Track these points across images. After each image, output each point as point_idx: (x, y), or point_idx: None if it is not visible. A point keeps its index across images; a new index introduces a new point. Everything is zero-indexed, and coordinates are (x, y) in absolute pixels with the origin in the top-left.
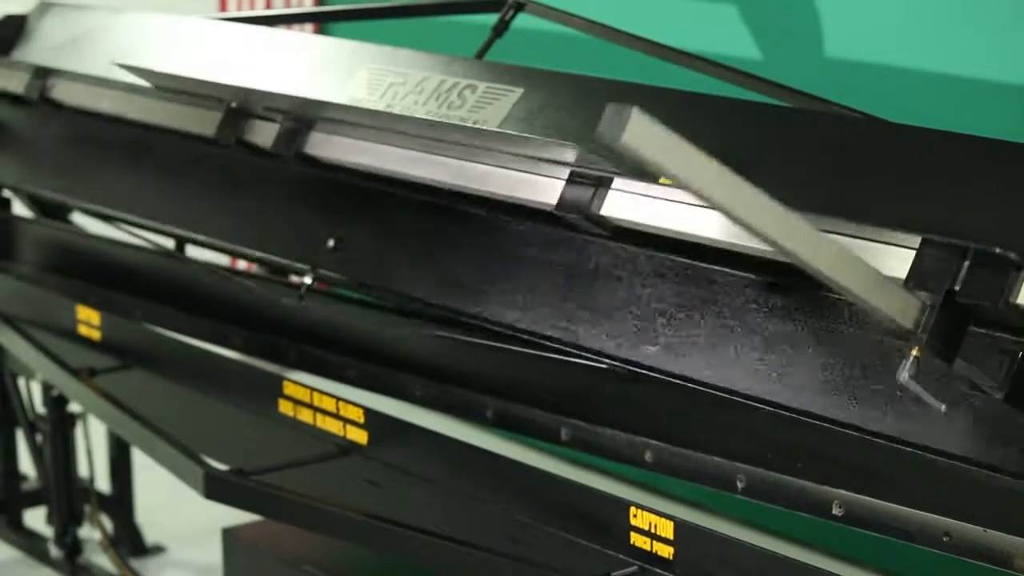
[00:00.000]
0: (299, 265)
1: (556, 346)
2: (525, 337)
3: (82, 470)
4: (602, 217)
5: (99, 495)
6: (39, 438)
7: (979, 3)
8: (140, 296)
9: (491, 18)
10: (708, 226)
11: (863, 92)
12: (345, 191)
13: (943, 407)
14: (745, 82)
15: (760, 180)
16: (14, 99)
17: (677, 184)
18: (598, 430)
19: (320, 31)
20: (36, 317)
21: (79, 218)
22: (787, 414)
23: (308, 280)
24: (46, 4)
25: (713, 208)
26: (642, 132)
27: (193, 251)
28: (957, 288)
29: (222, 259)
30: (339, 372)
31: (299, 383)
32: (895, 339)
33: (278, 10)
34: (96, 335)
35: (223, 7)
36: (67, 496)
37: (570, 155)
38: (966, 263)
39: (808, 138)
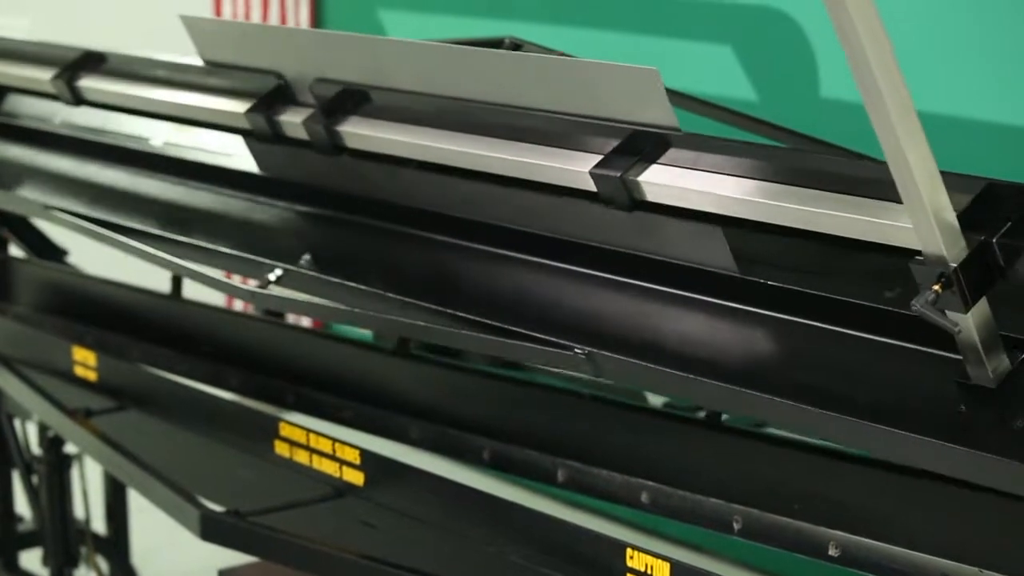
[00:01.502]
0: (269, 261)
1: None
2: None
3: (78, 511)
4: (637, 183)
5: (95, 536)
6: (35, 479)
7: (986, 44)
8: (137, 337)
9: None
10: (746, 204)
11: (866, 135)
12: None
13: (958, 328)
14: (742, 123)
15: None
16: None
17: None
18: (594, 471)
19: None
20: (32, 358)
21: (75, 259)
22: (783, 456)
23: (273, 276)
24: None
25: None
26: None
27: (190, 292)
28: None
29: (219, 300)
30: (335, 414)
31: (295, 424)
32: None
33: None
34: (92, 376)
35: None
36: (63, 537)
37: (650, 95)
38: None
39: None
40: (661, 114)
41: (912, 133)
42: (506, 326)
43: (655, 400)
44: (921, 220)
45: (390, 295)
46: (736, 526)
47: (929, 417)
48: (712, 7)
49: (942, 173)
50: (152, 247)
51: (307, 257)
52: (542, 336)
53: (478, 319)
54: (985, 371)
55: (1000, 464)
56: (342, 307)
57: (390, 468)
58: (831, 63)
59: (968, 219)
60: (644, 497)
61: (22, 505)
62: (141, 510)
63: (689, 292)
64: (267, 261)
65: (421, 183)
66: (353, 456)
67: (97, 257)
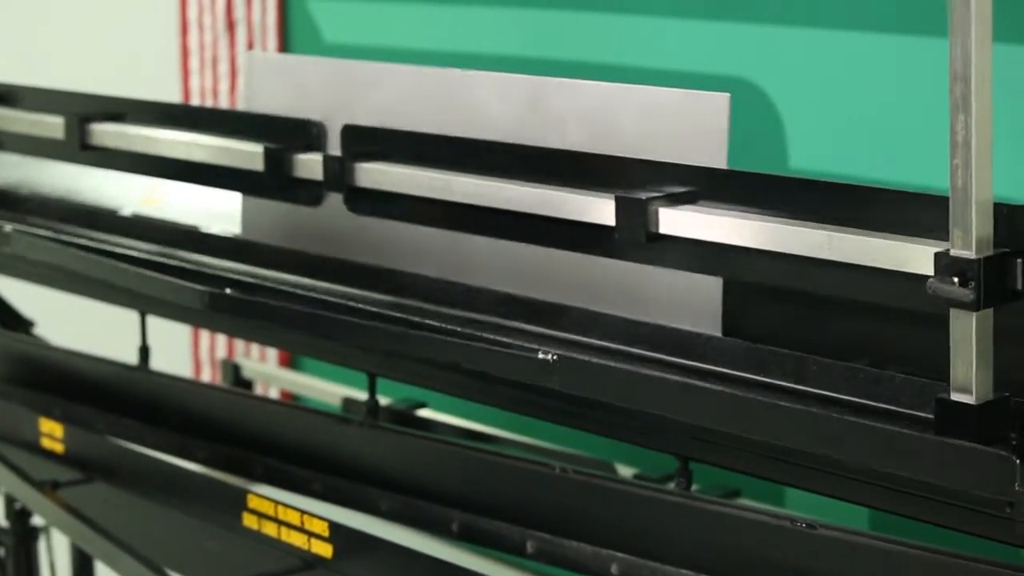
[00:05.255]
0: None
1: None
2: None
3: None
4: (658, 212)
5: None
6: (1, 551)
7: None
8: (104, 409)
9: None
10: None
11: None
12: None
13: (971, 295)
14: None
15: None
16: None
17: None
18: (563, 543)
19: None
20: None
21: (42, 330)
22: (754, 526)
23: (228, 291)
24: None
25: None
26: None
27: (157, 363)
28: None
29: (185, 371)
30: (304, 485)
31: (264, 496)
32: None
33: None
34: (59, 448)
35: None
36: None
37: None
38: None
39: None
40: (711, 146)
41: (983, 140)
42: (465, 330)
43: (625, 471)
44: (961, 210)
45: (349, 303)
46: None
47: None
48: (682, 78)
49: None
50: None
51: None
52: (506, 340)
53: (440, 324)
54: (969, 389)
55: (977, 455)
56: (298, 308)
57: (359, 540)
58: (803, 136)
59: (1001, 237)
60: (614, 568)
61: None
62: None
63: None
64: (228, 275)
65: (414, 242)
66: (321, 528)
67: (65, 329)
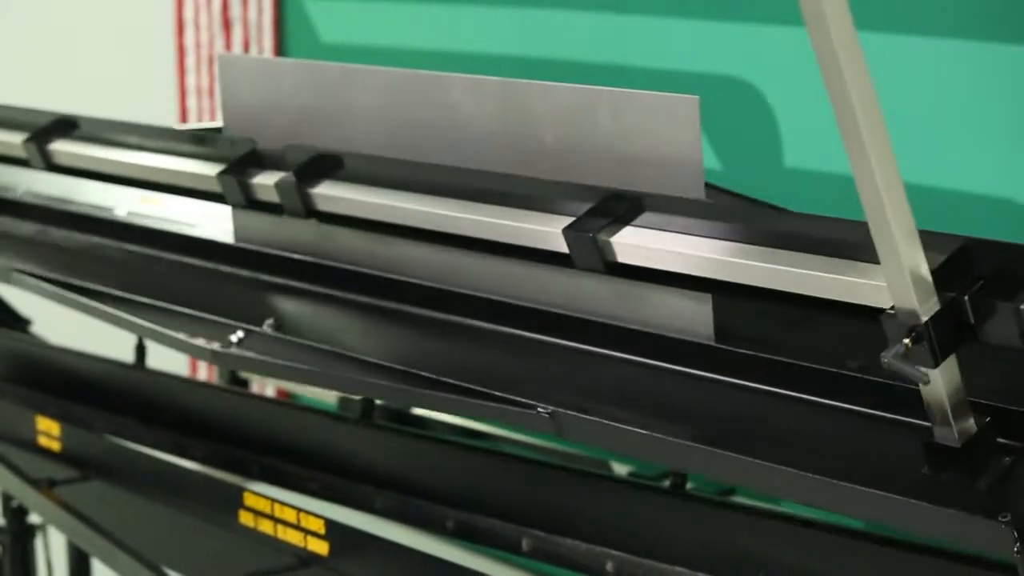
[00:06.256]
0: (231, 322)
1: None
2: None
3: None
4: (610, 243)
5: None
6: None
7: (975, 115)
8: (100, 407)
9: None
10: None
11: (830, 205)
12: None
13: (926, 379)
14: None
15: None
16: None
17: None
18: (559, 540)
19: None
20: None
21: (39, 328)
22: (748, 523)
23: (235, 337)
24: None
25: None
26: None
27: (154, 362)
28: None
29: (182, 369)
30: (300, 484)
31: (260, 494)
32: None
33: None
34: (56, 446)
35: (183, 113)
36: None
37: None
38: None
39: None
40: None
41: (892, 185)
42: (467, 385)
43: (620, 469)
44: (895, 273)
45: (352, 354)
46: None
47: (894, 477)
48: (674, 75)
49: (920, 231)
50: (115, 308)
51: (270, 322)
52: (504, 395)
53: (439, 378)
54: (951, 431)
55: (962, 519)
56: (303, 367)
57: (355, 538)
58: (795, 133)
59: (941, 276)
60: (609, 566)
61: None
62: None
63: (664, 362)
64: (230, 322)
65: (401, 251)
66: (317, 526)
67: (61, 327)
